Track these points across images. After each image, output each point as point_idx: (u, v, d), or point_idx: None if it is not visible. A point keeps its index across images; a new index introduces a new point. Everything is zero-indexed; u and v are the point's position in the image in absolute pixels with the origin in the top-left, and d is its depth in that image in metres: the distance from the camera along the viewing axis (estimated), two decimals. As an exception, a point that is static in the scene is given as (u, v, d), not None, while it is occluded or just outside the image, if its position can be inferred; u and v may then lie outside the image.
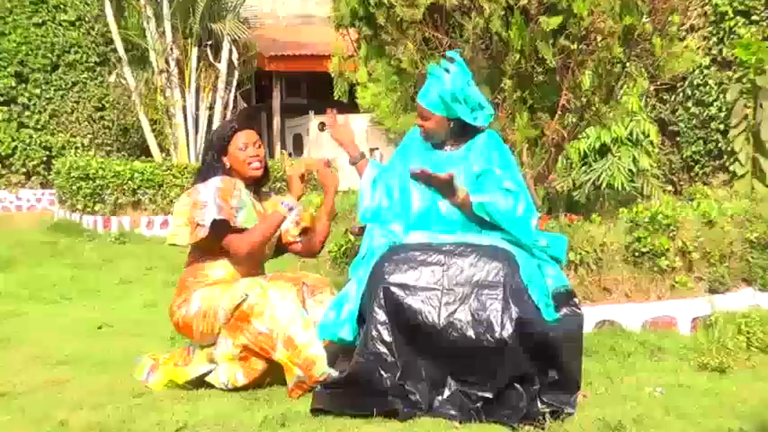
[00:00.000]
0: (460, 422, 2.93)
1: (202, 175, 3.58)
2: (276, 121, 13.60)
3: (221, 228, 3.39)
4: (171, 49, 11.21)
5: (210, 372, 3.43)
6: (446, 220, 3.33)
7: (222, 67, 11.60)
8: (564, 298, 3.25)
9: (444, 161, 3.42)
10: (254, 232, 3.43)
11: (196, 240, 3.42)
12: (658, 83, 5.20)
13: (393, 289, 3.06)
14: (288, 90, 15.07)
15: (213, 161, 3.57)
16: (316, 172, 3.72)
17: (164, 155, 11.68)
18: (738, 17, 8.82)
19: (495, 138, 3.51)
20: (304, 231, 3.75)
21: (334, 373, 3.22)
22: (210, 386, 3.42)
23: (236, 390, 3.37)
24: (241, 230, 3.43)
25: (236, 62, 11.72)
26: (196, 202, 3.42)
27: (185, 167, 10.42)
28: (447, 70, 3.38)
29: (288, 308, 3.30)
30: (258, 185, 3.69)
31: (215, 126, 11.48)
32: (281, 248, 3.78)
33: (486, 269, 3.08)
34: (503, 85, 4.60)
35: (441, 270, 3.10)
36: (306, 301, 3.47)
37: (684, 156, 9.58)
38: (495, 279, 3.05)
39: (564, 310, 3.20)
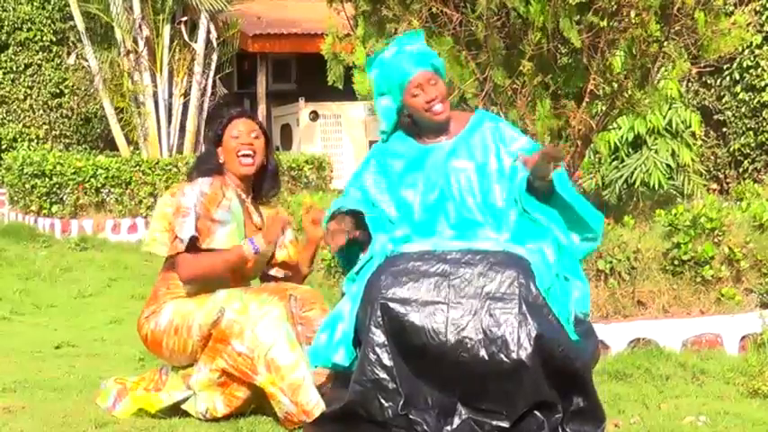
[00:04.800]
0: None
1: (196, 167, 3.64)
2: (261, 109, 13.60)
3: (191, 245, 3.39)
4: (140, 25, 11.22)
5: (187, 398, 3.44)
6: (454, 225, 3.32)
7: (199, 47, 11.62)
8: (579, 323, 3.24)
9: (448, 155, 3.37)
10: (206, 260, 3.41)
11: (174, 254, 3.43)
12: (701, 65, 5.20)
13: (392, 305, 3.06)
14: (274, 74, 15.07)
15: (208, 153, 3.63)
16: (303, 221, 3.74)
17: (132, 148, 11.69)
18: (795, -12, 8.84)
19: (496, 118, 3.52)
20: (282, 264, 3.76)
21: (322, 404, 3.21)
22: (186, 414, 3.42)
23: (215, 420, 3.37)
24: (209, 250, 3.44)
25: (214, 42, 11.73)
26: (179, 207, 3.42)
27: (156, 163, 10.43)
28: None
29: (270, 325, 3.31)
30: (260, 188, 3.67)
31: (190, 115, 11.52)
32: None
33: (499, 279, 3.07)
34: (522, 68, 4.61)
35: (445, 281, 3.10)
36: (294, 316, 3.47)
37: (732, 149, 9.58)
38: (508, 290, 3.05)
39: (578, 330, 3.19)
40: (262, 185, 3.67)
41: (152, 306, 3.50)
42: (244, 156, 3.56)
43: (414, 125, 3.44)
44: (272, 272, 3.74)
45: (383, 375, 3.03)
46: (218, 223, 3.44)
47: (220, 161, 3.59)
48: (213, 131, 3.64)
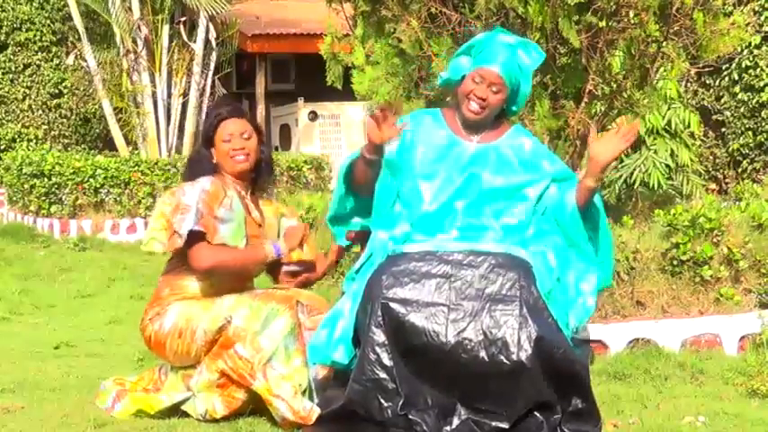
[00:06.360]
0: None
1: (190, 168, 3.63)
2: (260, 109, 13.60)
3: (196, 239, 3.37)
4: (138, 26, 11.21)
5: (187, 399, 3.43)
6: (461, 227, 3.31)
7: (198, 47, 11.61)
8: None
9: (478, 156, 3.39)
10: (226, 253, 3.41)
11: (172, 250, 3.42)
12: (700, 65, 5.20)
13: (393, 305, 3.06)
14: (273, 74, 15.08)
15: (201, 154, 3.61)
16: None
17: (130, 148, 11.68)
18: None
19: (531, 135, 3.56)
20: (299, 262, 3.75)
21: (317, 409, 3.21)
22: (185, 414, 3.42)
23: (214, 421, 3.37)
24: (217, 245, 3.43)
25: (213, 42, 11.72)
26: (179, 205, 3.40)
27: (155, 163, 10.43)
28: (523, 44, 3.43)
29: (274, 335, 3.31)
30: (255, 183, 3.68)
31: (189, 115, 11.52)
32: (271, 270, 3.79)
33: (500, 281, 3.08)
34: (520, 67, 4.61)
35: (447, 283, 3.10)
36: (302, 323, 3.45)
37: (731, 149, 9.59)
38: (510, 292, 3.06)
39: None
40: (257, 179, 3.67)
41: (155, 308, 3.48)
42: (237, 157, 3.55)
43: (456, 100, 3.49)
44: (290, 268, 3.70)
45: (383, 375, 3.03)
46: (221, 221, 3.43)
47: (213, 161, 3.57)
48: (204, 132, 3.63)
